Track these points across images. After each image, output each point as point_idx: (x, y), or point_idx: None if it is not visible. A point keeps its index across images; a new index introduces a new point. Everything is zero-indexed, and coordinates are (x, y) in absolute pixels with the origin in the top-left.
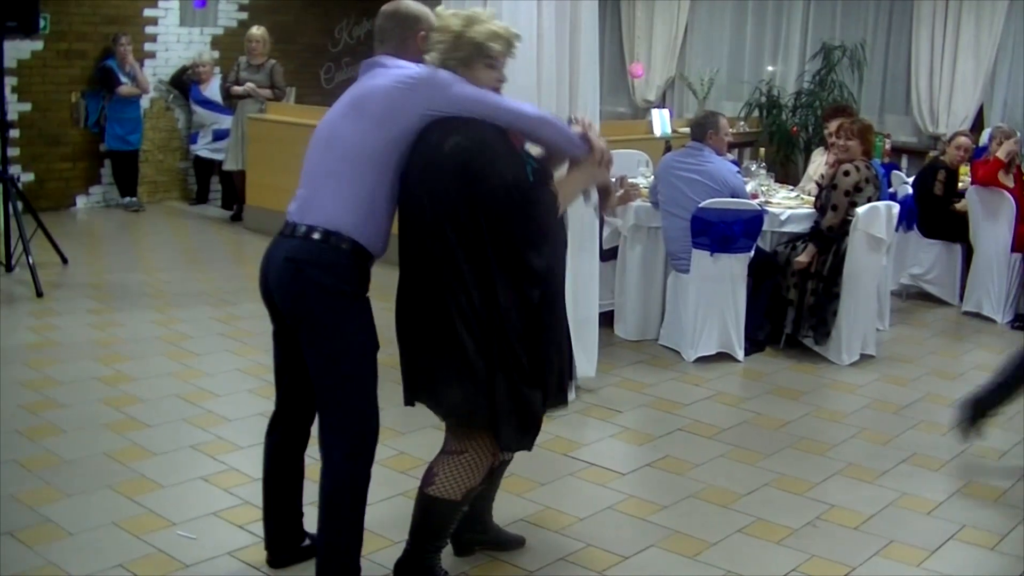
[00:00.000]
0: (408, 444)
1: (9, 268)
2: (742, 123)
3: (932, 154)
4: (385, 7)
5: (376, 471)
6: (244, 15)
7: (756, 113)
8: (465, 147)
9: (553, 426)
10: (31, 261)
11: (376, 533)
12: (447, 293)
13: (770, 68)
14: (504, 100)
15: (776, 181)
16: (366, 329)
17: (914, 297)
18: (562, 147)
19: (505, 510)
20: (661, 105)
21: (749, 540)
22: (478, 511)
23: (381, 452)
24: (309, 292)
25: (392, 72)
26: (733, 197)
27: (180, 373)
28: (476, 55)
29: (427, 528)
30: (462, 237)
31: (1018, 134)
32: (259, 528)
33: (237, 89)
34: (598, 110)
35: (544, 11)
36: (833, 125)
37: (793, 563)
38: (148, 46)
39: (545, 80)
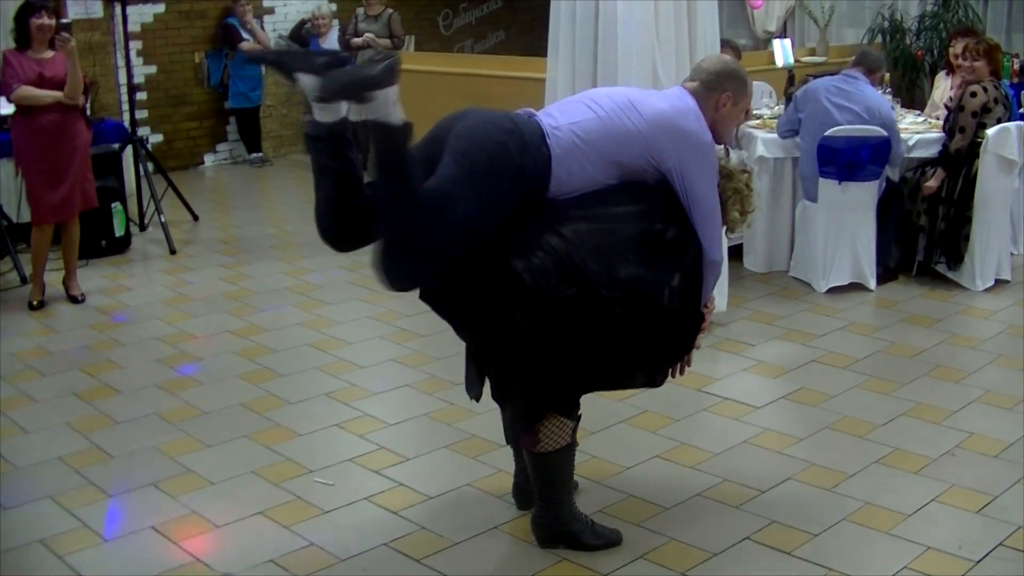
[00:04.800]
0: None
1: (143, 227)
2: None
3: None
4: (719, 57)
5: (447, 457)
6: None
7: (879, 39)
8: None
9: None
10: (163, 220)
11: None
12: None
13: None
14: (713, 218)
15: (903, 106)
16: None
17: None
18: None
19: (639, 447)
20: (782, 35)
21: (887, 470)
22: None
23: (452, 435)
24: None
25: (674, 103)
26: (882, 127)
27: (311, 322)
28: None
29: (550, 482)
30: None
31: None
32: (395, 472)
33: (356, 40)
34: (718, 41)
35: None
36: (958, 47)
37: (933, 493)
38: (267, 2)
39: (663, 13)
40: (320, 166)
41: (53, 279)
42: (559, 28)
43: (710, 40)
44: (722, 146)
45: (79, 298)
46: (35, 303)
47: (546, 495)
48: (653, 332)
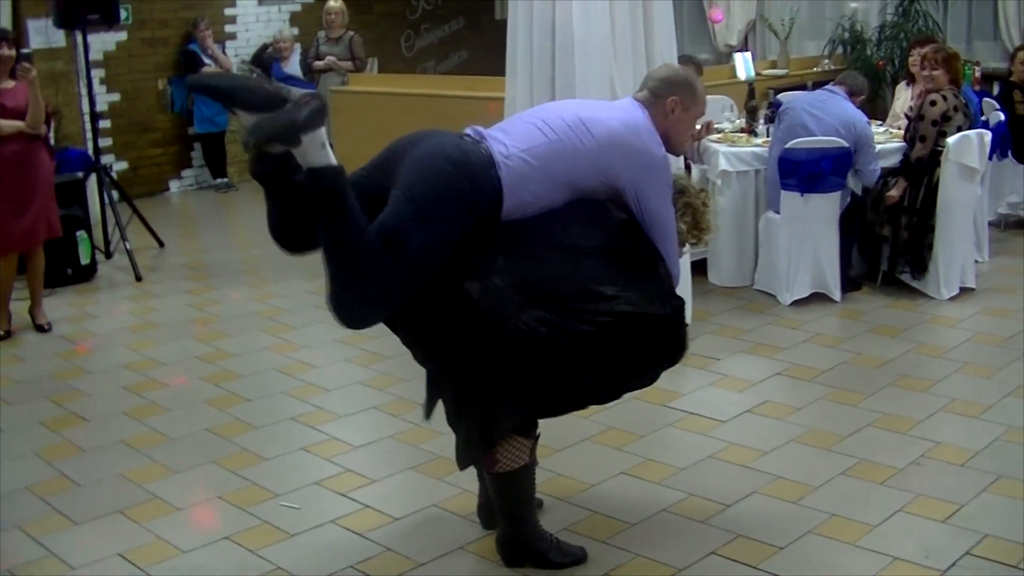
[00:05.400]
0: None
1: (108, 255)
2: (826, 61)
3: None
4: (668, 65)
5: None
6: None
7: (840, 50)
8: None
9: None
10: (128, 247)
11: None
12: None
13: (853, 5)
14: (671, 235)
15: (869, 116)
16: None
17: (1013, 227)
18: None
19: (604, 464)
20: (743, 49)
21: (853, 481)
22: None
23: (417, 456)
24: None
25: (624, 119)
26: (857, 143)
27: (277, 347)
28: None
29: (512, 501)
30: None
31: None
32: (361, 495)
33: (318, 64)
34: (675, 57)
35: None
36: (917, 56)
37: (899, 503)
38: (228, 28)
39: (619, 30)
40: (267, 194)
41: (19, 308)
42: (516, 47)
43: (667, 56)
44: (682, 164)
45: (45, 327)
46: (1, 333)
47: (509, 514)
48: (630, 345)
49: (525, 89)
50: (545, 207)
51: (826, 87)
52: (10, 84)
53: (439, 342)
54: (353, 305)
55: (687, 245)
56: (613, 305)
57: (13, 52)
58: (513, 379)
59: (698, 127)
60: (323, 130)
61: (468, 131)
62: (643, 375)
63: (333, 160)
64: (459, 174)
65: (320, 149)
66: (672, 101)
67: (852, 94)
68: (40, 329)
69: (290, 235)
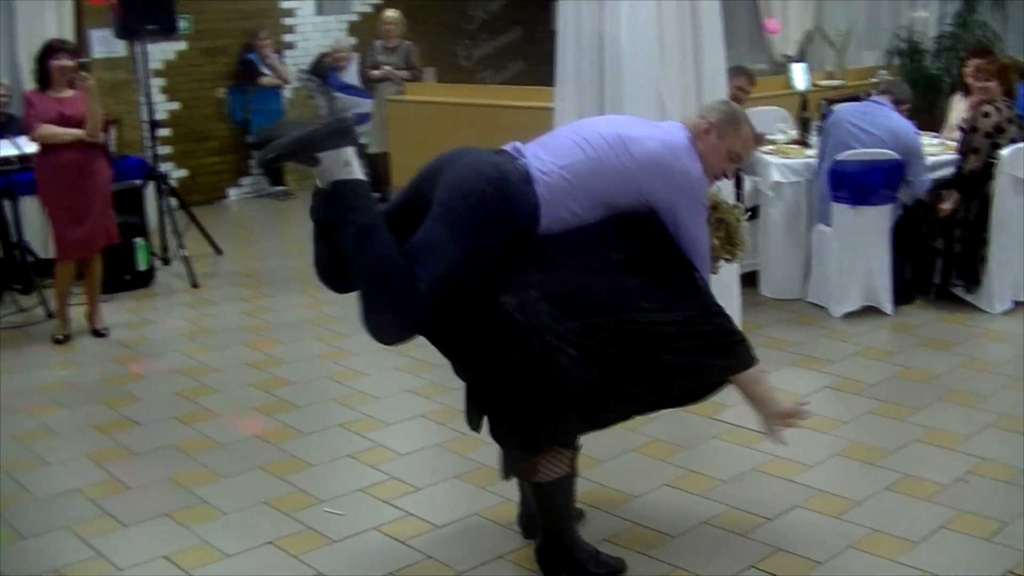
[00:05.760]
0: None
1: (166, 262)
2: (883, 71)
3: None
4: (722, 100)
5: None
6: None
7: (896, 60)
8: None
9: None
10: (185, 254)
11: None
12: None
13: (920, 14)
14: (704, 254)
15: (921, 128)
16: None
17: None
18: None
19: (647, 475)
20: (799, 59)
21: (896, 497)
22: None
23: (462, 465)
24: None
25: (665, 139)
26: (906, 153)
27: (328, 354)
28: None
29: (552, 511)
30: None
31: None
32: (405, 502)
33: (374, 73)
34: (724, 69)
35: None
36: (971, 67)
37: (941, 520)
38: (287, 37)
39: (668, 43)
40: (318, 236)
41: (77, 313)
42: (566, 60)
43: (717, 69)
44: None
45: (103, 332)
46: (60, 337)
47: (548, 524)
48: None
49: (574, 101)
50: (582, 222)
51: (871, 98)
52: (69, 93)
53: (477, 355)
54: (382, 321)
55: (720, 261)
56: (649, 316)
57: (72, 62)
58: (552, 391)
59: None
60: (349, 150)
61: (507, 147)
62: (687, 385)
63: (360, 177)
64: (495, 192)
65: (343, 167)
66: (708, 124)
67: (898, 103)
68: (97, 334)
69: (334, 276)
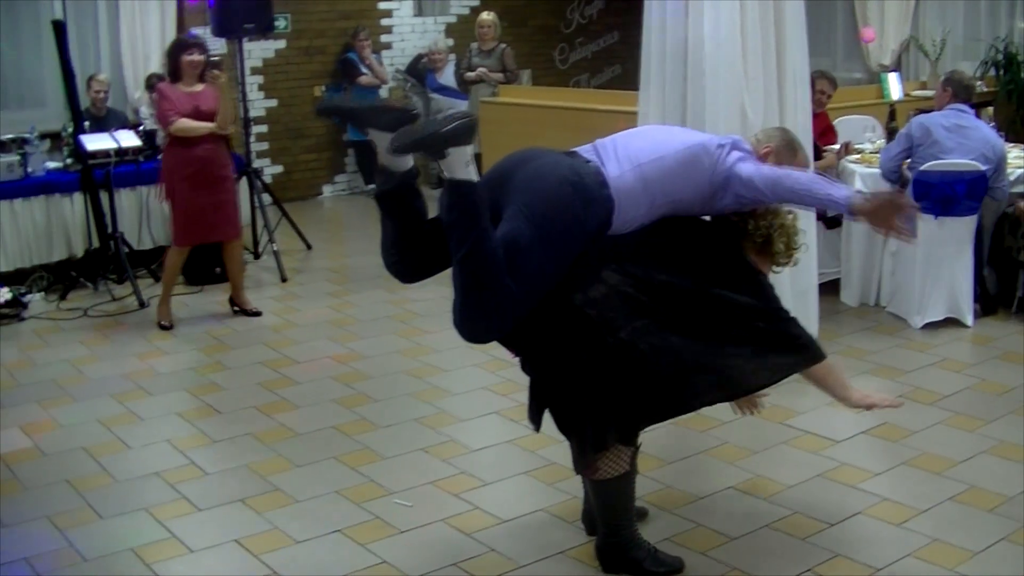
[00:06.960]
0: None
1: (257, 256)
2: (980, 82)
3: None
4: (778, 127)
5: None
6: (476, 2)
7: (992, 71)
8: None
9: (770, 395)
10: (276, 248)
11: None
12: None
13: (1020, 25)
14: (810, 181)
15: (1015, 140)
16: None
17: None
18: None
19: (714, 477)
20: (894, 69)
21: (959, 507)
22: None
23: (532, 462)
24: None
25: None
26: (999, 161)
27: (409, 350)
28: None
29: (611, 508)
30: None
31: None
32: (473, 496)
33: (470, 75)
34: (807, 77)
35: None
36: None
37: (1004, 531)
38: (384, 38)
39: (751, 50)
40: (384, 214)
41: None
42: (650, 66)
43: (800, 76)
44: None
45: (256, 312)
46: (167, 324)
47: (608, 521)
48: (737, 341)
49: (658, 109)
50: (649, 221)
51: (951, 106)
52: (199, 87)
53: (546, 352)
54: (477, 321)
55: (778, 267)
56: (719, 309)
57: (203, 58)
58: (620, 386)
59: (838, 147)
60: (470, 149)
61: (582, 148)
62: (750, 375)
63: (475, 178)
64: (575, 194)
65: (464, 166)
66: (768, 148)
67: (969, 97)
68: (249, 314)
69: (403, 263)
